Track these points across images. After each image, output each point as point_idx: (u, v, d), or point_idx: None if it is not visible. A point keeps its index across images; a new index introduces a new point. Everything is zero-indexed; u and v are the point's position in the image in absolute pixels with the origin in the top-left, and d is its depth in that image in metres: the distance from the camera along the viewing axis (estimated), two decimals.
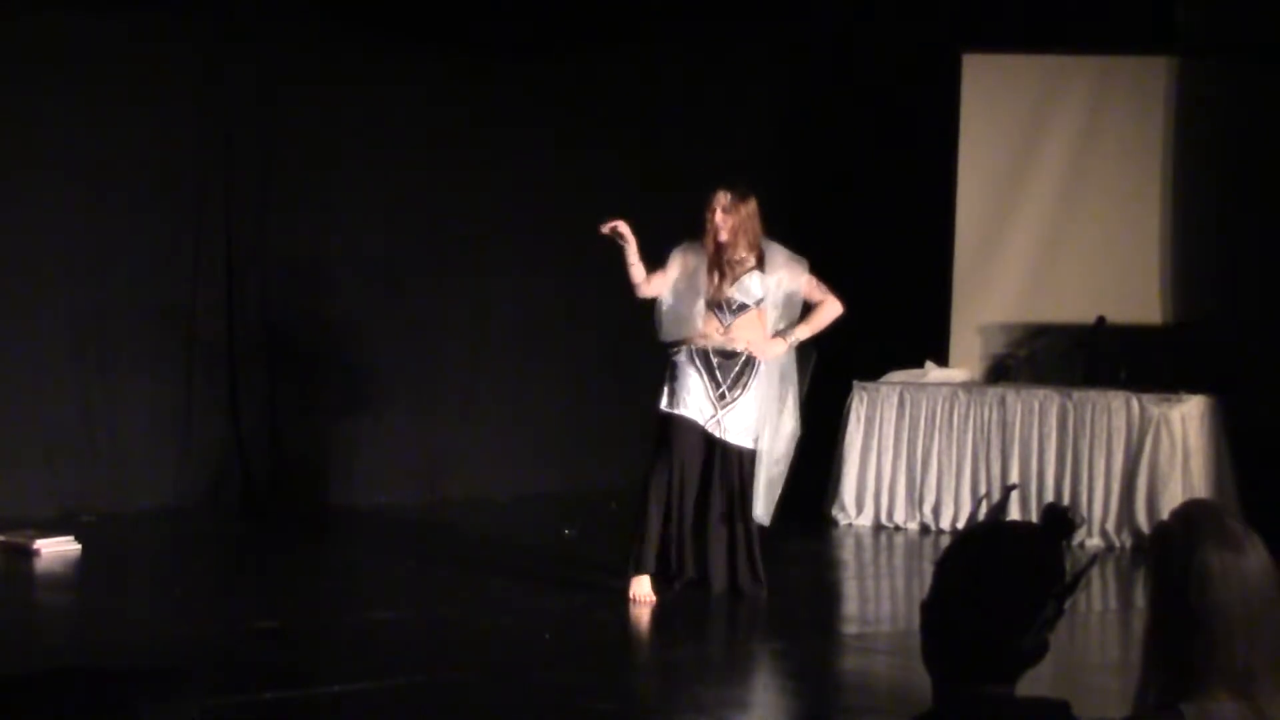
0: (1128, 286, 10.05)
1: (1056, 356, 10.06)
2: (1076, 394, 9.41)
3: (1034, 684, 2.52)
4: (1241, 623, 2.49)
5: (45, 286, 9.43)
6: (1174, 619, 2.52)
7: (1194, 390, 9.26)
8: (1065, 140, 10.29)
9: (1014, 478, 9.32)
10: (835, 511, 9.84)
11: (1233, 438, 9.27)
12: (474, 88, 10.45)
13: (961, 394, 9.71)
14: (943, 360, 10.24)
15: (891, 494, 9.78)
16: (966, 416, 9.63)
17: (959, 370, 10.13)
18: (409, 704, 5.62)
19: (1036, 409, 9.46)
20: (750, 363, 7.19)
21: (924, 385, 9.85)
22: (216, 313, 9.97)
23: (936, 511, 9.62)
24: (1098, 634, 7.15)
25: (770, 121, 11.60)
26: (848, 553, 9.32)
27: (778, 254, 7.32)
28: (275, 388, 10.06)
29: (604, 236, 7.16)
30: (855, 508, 9.82)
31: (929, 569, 2.56)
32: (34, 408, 9.35)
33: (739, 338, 7.18)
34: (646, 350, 11.08)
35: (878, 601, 8.26)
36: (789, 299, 7.30)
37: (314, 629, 6.42)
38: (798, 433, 7.43)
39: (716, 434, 7.13)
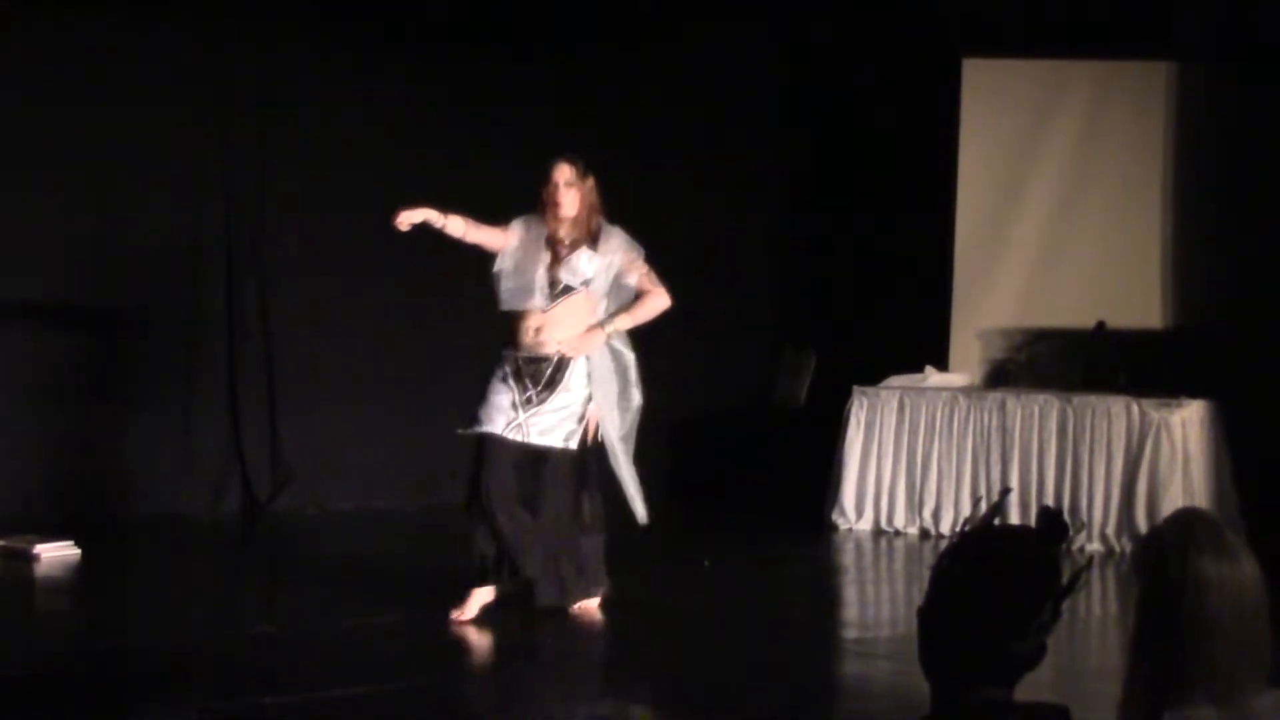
0: (1128, 291, 10.04)
1: (1056, 361, 10.05)
2: (1076, 398, 9.41)
3: (1033, 688, 2.52)
4: (1232, 632, 2.50)
5: (45, 289, 9.44)
6: (1164, 627, 2.52)
7: (1194, 395, 9.26)
8: (1065, 145, 10.29)
9: (1014, 482, 9.32)
10: (835, 516, 9.83)
11: (1233, 442, 9.27)
12: (475, 91, 10.45)
13: (961, 399, 9.71)
14: (942, 365, 10.24)
15: (891, 499, 9.77)
16: (966, 421, 9.62)
17: (959, 375, 10.13)
18: (408, 708, 5.62)
19: (1036, 414, 9.45)
20: (563, 364, 6.81)
21: (924, 390, 9.85)
22: (216, 317, 9.99)
23: (936, 516, 9.62)
24: (1098, 638, 7.15)
25: (769, 126, 11.60)
26: (847, 557, 9.31)
27: (614, 236, 6.97)
28: (274, 392, 10.07)
29: (413, 232, 6.83)
30: (855, 512, 9.81)
31: (929, 574, 2.56)
32: (35, 412, 9.36)
33: (550, 339, 6.77)
34: (659, 355, 11.14)
35: (877, 606, 8.26)
36: (619, 286, 6.93)
37: (313, 633, 6.42)
38: (640, 405, 7.04)
39: (518, 438, 6.73)
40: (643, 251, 7.02)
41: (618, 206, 11.04)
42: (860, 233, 11.02)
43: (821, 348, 11.07)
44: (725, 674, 6.15)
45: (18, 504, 9.14)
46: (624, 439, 6.97)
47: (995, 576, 2.48)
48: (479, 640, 6.62)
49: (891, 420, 9.79)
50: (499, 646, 6.59)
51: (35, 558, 8.13)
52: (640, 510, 7.06)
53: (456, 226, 6.84)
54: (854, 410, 9.85)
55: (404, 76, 10.33)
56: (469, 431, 6.81)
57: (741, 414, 11.22)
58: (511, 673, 6.30)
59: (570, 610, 6.92)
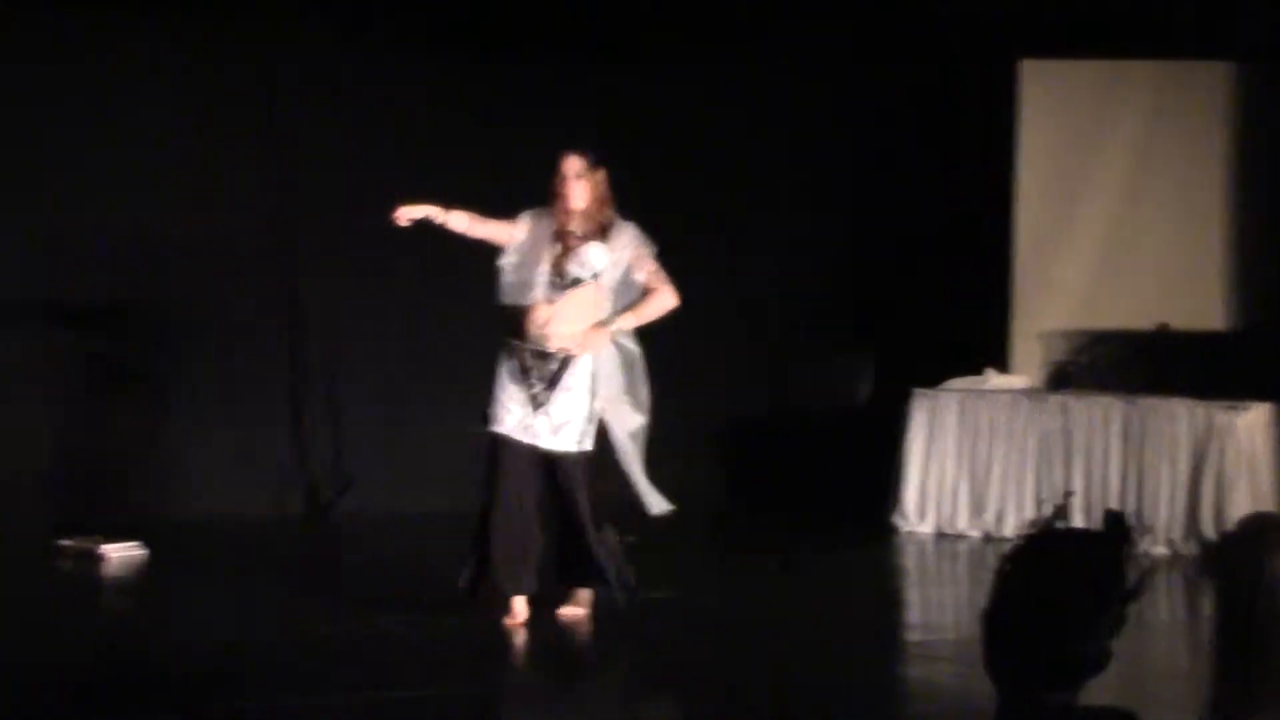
0: (1190, 292, 9.97)
1: (1119, 363, 9.99)
2: (1140, 401, 9.35)
3: (1098, 693, 2.51)
4: None
5: (111, 291, 9.53)
6: (1241, 631, 2.51)
7: (1259, 398, 9.18)
8: (1125, 145, 10.23)
9: (1077, 486, 9.26)
10: (896, 519, 9.81)
11: None
12: (529, 92, 10.47)
13: (1023, 401, 9.67)
14: (1003, 367, 10.19)
15: (953, 501, 9.73)
16: (1028, 424, 9.57)
17: (1020, 377, 10.08)
18: (468, 711, 5.65)
19: (1099, 416, 9.40)
20: (568, 362, 6.72)
21: (984, 392, 9.81)
22: (279, 321, 10.06)
23: (999, 519, 9.57)
24: (1164, 642, 7.09)
25: (826, 129, 11.57)
26: (909, 560, 9.29)
27: (626, 230, 6.86)
28: (336, 395, 10.13)
29: (414, 227, 6.77)
30: (917, 515, 9.78)
31: (992, 577, 2.56)
32: (100, 414, 9.46)
33: (555, 332, 6.66)
34: (703, 352, 11.15)
35: (940, 609, 8.23)
36: (627, 282, 6.82)
37: (372, 635, 6.45)
38: (642, 432, 6.89)
39: (527, 440, 6.69)
40: (654, 248, 6.92)
41: (676, 208, 11.10)
42: (921, 234, 10.98)
43: (882, 350, 11.03)
44: (787, 677, 6.15)
45: (85, 505, 9.24)
46: (634, 435, 6.85)
47: (1059, 580, 2.47)
48: (537, 644, 6.63)
49: (953, 423, 9.75)
50: (558, 650, 6.60)
51: (102, 558, 8.22)
52: (653, 501, 6.90)
53: (459, 222, 6.79)
54: (915, 413, 9.82)
55: (462, 78, 10.36)
56: (481, 430, 6.78)
57: (802, 417, 11.19)
58: (571, 676, 6.31)
59: (564, 610, 6.85)
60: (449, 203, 6.84)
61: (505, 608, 6.67)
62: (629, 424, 6.84)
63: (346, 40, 10.11)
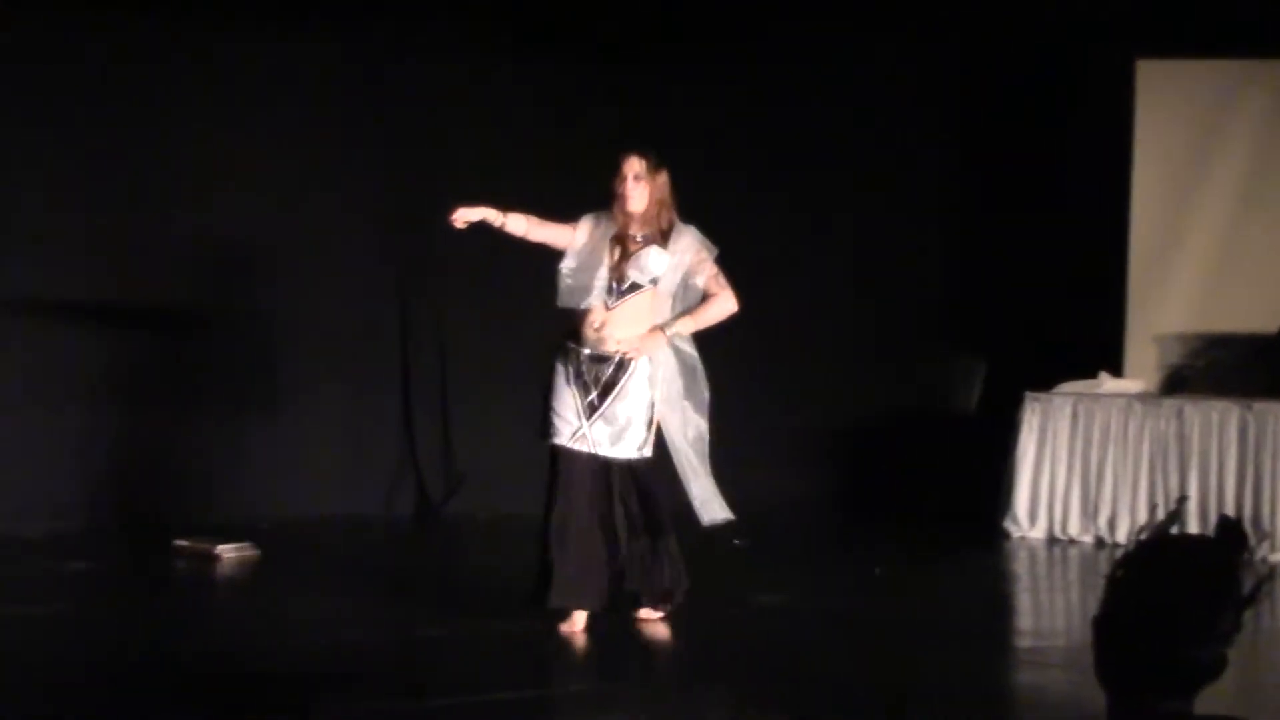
0: None
1: (1236, 367, 9.85)
2: (1257, 405, 9.21)
3: (1212, 701, 2.48)
4: None
5: (223, 298, 9.66)
6: None
7: None
8: (1243, 146, 10.08)
9: (1192, 491, 9.15)
10: (1007, 524, 9.73)
11: None
12: (635, 96, 10.49)
13: (1137, 405, 9.56)
14: (1117, 371, 10.08)
15: (1065, 506, 9.64)
16: (1142, 428, 9.47)
17: (1134, 381, 9.97)
18: (578, 712, 5.66)
19: (1215, 421, 9.28)
20: (624, 366, 6.57)
21: (1098, 396, 9.71)
22: (390, 323, 10.15)
23: (1112, 525, 9.47)
24: None
25: (938, 130, 11.50)
26: (1020, 565, 9.21)
27: (686, 234, 6.69)
28: (448, 396, 10.20)
29: (470, 229, 6.64)
30: (1028, 520, 9.70)
31: (1104, 583, 2.53)
32: (218, 420, 9.59)
33: (611, 336, 6.55)
34: (812, 357, 11.12)
35: (1052, 615, 8.16)
36: (687, 286, 6.65)
37: (482, 636, 6.49)
38: (704, 436, 6.74)
39: (584, 449, 6.55)
40: (715, 252, 6.75)
41: (789, 210, 11.08)
42: (1033, 237, 10.88)
43: (993, 354, 10.96)
44: (897, 682, 6.12)
45: (199, 506, 9.37)
46: (694, 441, 6.71)
47: (1173, 586, 2.44)
48: (647, 645, 6.64)
49: (1065, 427, 9.67)
50: (664, 651, 6.60)
51: (217, 558, 8.33)
52: (710, 511, 6.70)
53: (518, 225, 6.64)
54: (1026, 417, 9.74)
55: (569, 84, 10.40)
56: (543, 440, 6.66)
57: (913, 421, 11.13)
58: (681, 679, 6.30)
59: (639, 615, 6.78)
60: (529, 207, 6.76)
61: (564, 614, 6.61)
62: (688, 430, 6.70)
63: (461, 50, 10.19)
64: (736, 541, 9.15)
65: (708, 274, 6.69)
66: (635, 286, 6.60)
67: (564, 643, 6.54)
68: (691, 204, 10.24)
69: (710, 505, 6.71)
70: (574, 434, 6.55)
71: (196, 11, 9.44)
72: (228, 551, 8.39)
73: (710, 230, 10.69)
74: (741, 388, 10.96)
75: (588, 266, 6.61)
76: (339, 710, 5.40)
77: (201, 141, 9.49)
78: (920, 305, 11.43)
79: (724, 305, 6.73)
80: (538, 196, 6.98)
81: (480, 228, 6.64)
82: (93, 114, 9.28)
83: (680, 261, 6.63)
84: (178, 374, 9.56)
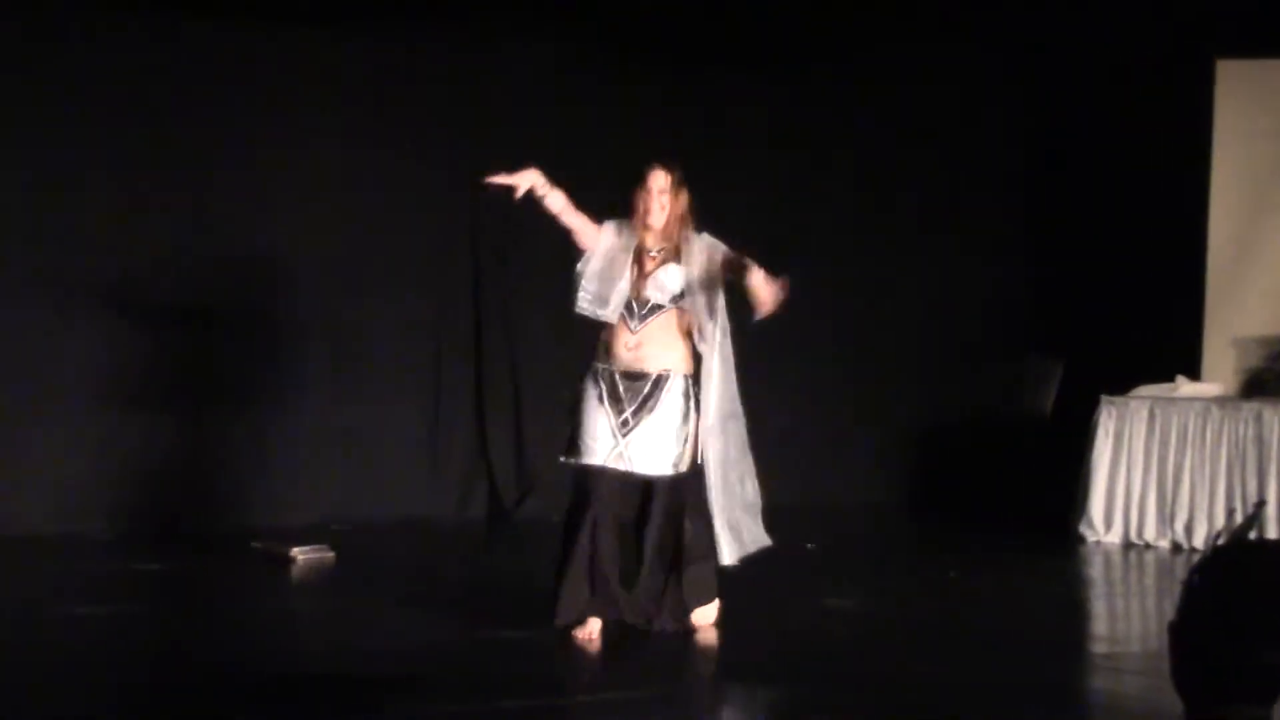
0: None
1: None
2: None
3: None
4: None
5: (302, 304, 9.73)
6: None
7: None
8: None
9: (1270, 495, 9.04)
10: (1083, 528, 9.66)
11: None
12: (713, 107, 10.50)
13: (1215, 409, 9.47)
14: (1195, 374, 9.99)
15: (1141, 511, 9.57)
16: (1220, 432, 9.38)
17: (1212, 384, 9.87)
18: (653, 714, 5.66)
19: None
20: (660, 383, 6.44)
21: (1175, 400, 9.63)
22: (464, 330, 10.20)
23: (1189, 529, 9.39)
24: None
25: (1016, 132, 11.45)
26: (1096, 570, 9.14)
27: (696, 241, 6.50)
28: (520, 399, 10.24)
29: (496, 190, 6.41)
30: (1104, 524, 9.63)
31: (1181, 588, 2.50)
32: (293, 424, 9.66)
33: (647, 355, 6.45)
34: (888, 361, 11.08)
35: (1128, 620, 8.09)
36: (709, 277, 6.43)
37: (557, 638, 6.50)
38: (746, 453, 6.59)
39: (621, 467, 6.39)
40: (723, 247, 6.51)
41: (865, 211, 11.05)
42: (1109, 238, 10.81)
43: (1069, 356, 10.88)
44: (972, 687, 6.08)
45: (273, 509, 9.45)
46: (725, 463, 6.56)
47: (1250, 591, 2.42)
48: (714, 649, 6.63)
49: (1141, 431, 9.59)
50: (739, 655, 6.59)
51: (292, 560, 8.38)
52: (727, 550, 6.56)
53: (556, 201, 6.44)
54: (1102, 420, 9.67)
55: (647, 93, 10.42)
56: (571, 462, 6.51)
57: (988, 424, 11.08)
58: (756, 680, 6.29)
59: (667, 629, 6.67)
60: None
61: (580, 621, 6.53)
62: (731, 449, 6.58)
63: (541, 55, 10.23)
64: (809, 546, 9.14)
65: (727, 255, 6.46)
66: (657, 307, 6.49)
67: (637, 646, 6.54)
68: (763, 208, 10.28)
69: (725, 544, 6.58)
70: (610, 452, 6.42)
71: (241, 9, 9.50)
72: (303, 554, 8.45)
73: (784, 235, 10.75)
74: (817, 392, 10.97)
75: (607, 278, 6.48)
76: (411, 712, 5.42)
77: (262, 148, 9.55)
78: (997, 308, 11.38)
79: (758, 278, 6.31)
80: (596, 201, 6.96)
81: (519, 200, 6.46)
82: (133, 115, 9.32)
83: (692, 269, 6.48)
84: (255, 378, 9.63)
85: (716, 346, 6.50)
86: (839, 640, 6.87)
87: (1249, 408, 9.41)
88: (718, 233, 6.62)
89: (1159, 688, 5.35)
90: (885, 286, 11.15)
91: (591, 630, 6.49)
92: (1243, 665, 2.39)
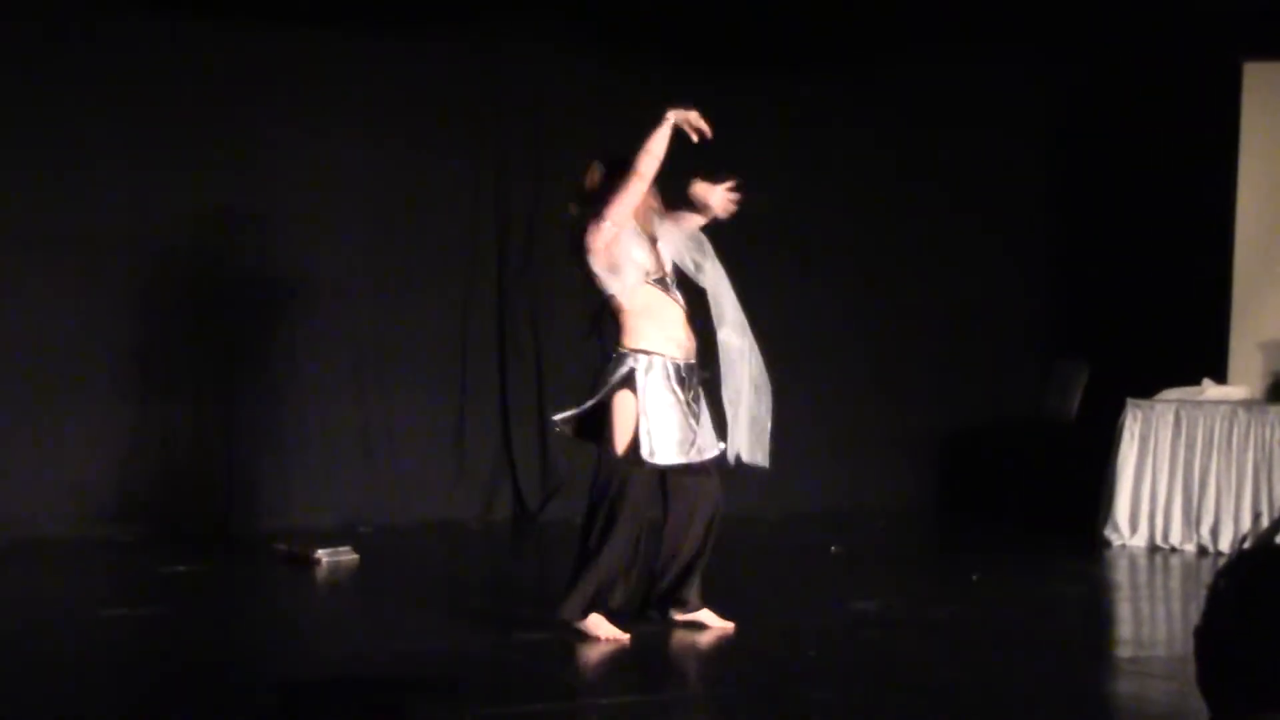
0: None
1: None
2: None
3: None
4: None
5: (325, 306, 9.75)
6: None
7: None
8: None
9: None
10: (1108, 532, 9.63)
11: None
12: (746, 104, 10.49)
13: (1241, 412, 9.43)
14: (1221, 377, 9.95)
15: (1167, 514, 9.53)
16: (1247, 436, 9.34)
17: (1238, 388, 9.83)
18: (676, 717, 5.66)
19: None
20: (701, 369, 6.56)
21: (1201, 403, 9.59)
22: (489, 331, 10.20)
23: (1215, 533, 9.35)
24: None
25: (1043, 134, 11.43)
26: (1121, 574, 9.12)
27: (664, 219, 6.64)
28: (544, 402, 10.23)
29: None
30: (1129, 528, 9.60)
31: (1206, 592, 2.49)
32: (317, 425, 9.68)
33: (691, 338, 6.52)
34: (914, 363, 11.06)
35: (1153, 624, 8.07)
36: (692, 236, 6.64)
37: (582, 641, 6.50)
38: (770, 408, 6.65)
39: (695, 460, 6.46)
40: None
41: (889, 220, 11.03)
42: (1135, 241, 10.78)
43: (1094, 359, 10.85)
44: (996, 690, 6.07)
45: (297, 511, 9.47)
46: (756, 369, 6.66)
47: (1276, 595, 2.41)
48: (740, 651, 6.62)
49: (1167, 434, 9.55)
50: (763, 660, 6.58)
51: (316, 562, 8.40)
52: (744, 448, 6.59)
53: (662, 144, 6.48)
54: (1128, 424, 9.64)
55: (684, 94, 10.41)
56: (654, 464, 6.43)
57: (1013, 427, 11.06)
58: (786, 682, 6.28)
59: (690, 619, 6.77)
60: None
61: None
62: (753, 361, 6.65)
63: (567, 58, 10.24)
64: (834, 548, 9.13)
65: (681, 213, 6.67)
66: (665, 279, 6.57)
67: (666, 647, 6.55)
68: (789, 211, 10.25)
69: (746, 446, 6.63)
70: (681, 448, 6.46)
71: (288, 13, 9.53)
72: (327, 555, 8.46)
73: (811, 239, 10.73)
74: (844, 394, 10.96)
75: (638, 259, 6.52)
76: (434, 715, 5.42)
77: (284, 148, 9.57)
78: (1024, 310, 11.37)
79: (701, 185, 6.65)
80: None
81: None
82: (174, 117, 9.34)
83: (674, 239, 6.64)
84: (279, 380, 9.65)
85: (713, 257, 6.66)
86: (864, 643, 6.86)
87: (1275, 411, 9.38)
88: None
89: (1185, 693, 5.34)
90: (911, 290, 11.14)
91: (617, 632, 6.51)
92: (1269, 670, 2.38)
